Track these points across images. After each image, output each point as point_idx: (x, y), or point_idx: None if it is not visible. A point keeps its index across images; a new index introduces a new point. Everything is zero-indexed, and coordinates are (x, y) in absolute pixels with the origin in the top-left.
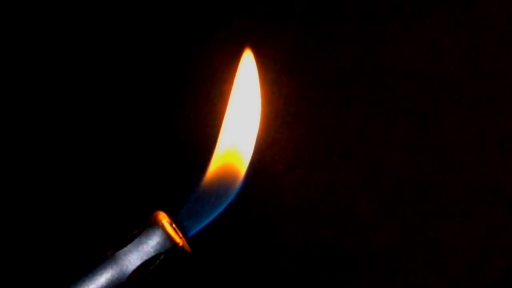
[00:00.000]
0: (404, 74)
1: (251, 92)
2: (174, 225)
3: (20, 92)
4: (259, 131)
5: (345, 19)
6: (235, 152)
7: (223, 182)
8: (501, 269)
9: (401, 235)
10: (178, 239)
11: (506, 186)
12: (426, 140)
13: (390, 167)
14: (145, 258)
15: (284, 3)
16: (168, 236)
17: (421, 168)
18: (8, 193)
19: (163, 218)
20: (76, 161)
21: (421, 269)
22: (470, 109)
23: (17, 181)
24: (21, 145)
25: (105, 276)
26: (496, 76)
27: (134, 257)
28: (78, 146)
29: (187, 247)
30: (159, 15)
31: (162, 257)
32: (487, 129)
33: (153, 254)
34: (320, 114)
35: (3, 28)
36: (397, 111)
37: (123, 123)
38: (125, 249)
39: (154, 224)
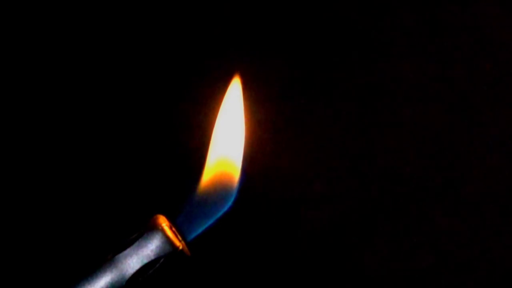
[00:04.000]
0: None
1: (238, 107)
2: (173, 229)
3: (19, 92)
4: (248, 138)
5: (336, 53)
6: (229, 158)
7: (222, 185)
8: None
9: (402, 236)
10: (178, 242)
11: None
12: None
13: (390, 168)
14: (144, 261)
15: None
16: (167, 240)
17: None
18: (8, 195)
19: (163, 222)
20: (76, 165)
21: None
22: None
23: (17, 183)
24: (20, 146)
25: (105, 279)
26: None
27: (133, 261)
28: (78, 150)
29: (186, 250)
30: (159, 37)
31: (161, 260)
32: None
33: (152, 257)
34: (310, 121)
35: (3, 28)
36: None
37: (123, 127)
38: (125, 252)
39: (154, 228)
